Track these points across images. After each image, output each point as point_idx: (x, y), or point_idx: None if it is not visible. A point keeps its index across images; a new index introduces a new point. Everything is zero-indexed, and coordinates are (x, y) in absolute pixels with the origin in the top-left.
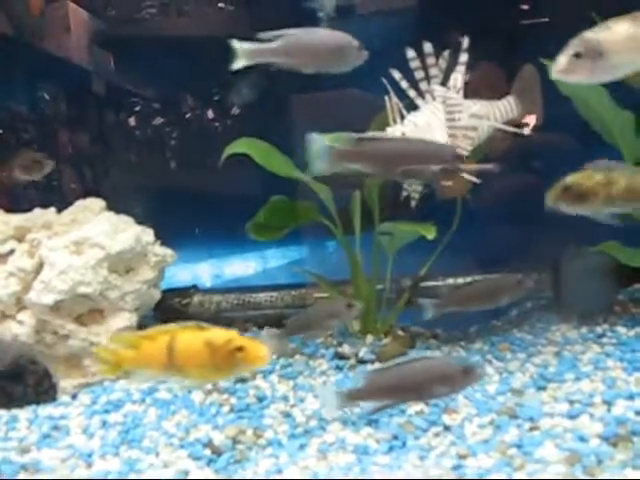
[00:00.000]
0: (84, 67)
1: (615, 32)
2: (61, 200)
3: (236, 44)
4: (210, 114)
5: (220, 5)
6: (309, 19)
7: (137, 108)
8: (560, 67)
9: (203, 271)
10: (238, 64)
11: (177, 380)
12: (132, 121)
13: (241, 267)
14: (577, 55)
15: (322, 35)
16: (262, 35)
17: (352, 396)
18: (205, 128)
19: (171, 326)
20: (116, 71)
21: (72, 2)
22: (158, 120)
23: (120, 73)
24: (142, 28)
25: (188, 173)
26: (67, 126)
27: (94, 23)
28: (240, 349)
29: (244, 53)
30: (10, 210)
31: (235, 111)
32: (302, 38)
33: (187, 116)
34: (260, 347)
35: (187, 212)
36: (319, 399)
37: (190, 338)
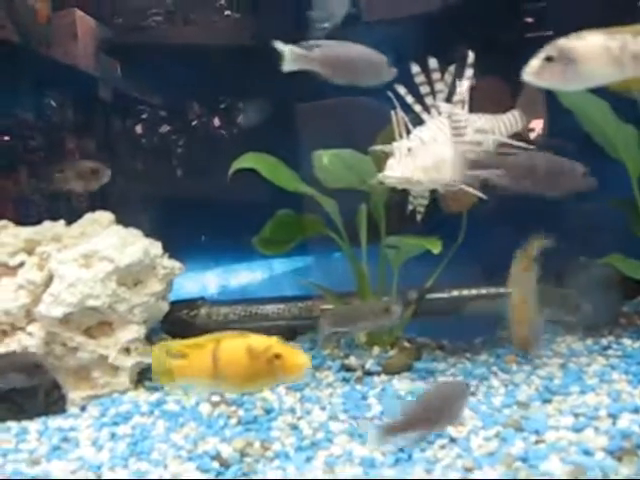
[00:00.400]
0: (91, 74)
1: (588, 42)
2: (67, 206)
3: (285, 48)
4: (216, 122)
5: (226, 13)
6: (314, 27)
7: (144, 116)
8: (532, 69)
9: (208, 280)
10: (287, 67)
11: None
12: (138, 129)
13: (247, 276)
14: (549, 59)
15: (358, 50)
16: (301, 43)
17: (390, 429)
18: (211, 136)
19: (215, 334)
20: (123, 79)
21: (79, 10)
22: (164, 128)
23: (127, 81)
24: (148, 36)
25: (193, 181)
26: (73, 133)
27: (101, 31)
28: (278, 356)
29: (293, 56)
30: (17, 216)
31: (241, 119)
32: (340, 50)
33: (193, 124)
34: (299, 355)
35: (191, 220)
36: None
37: (233, 345)
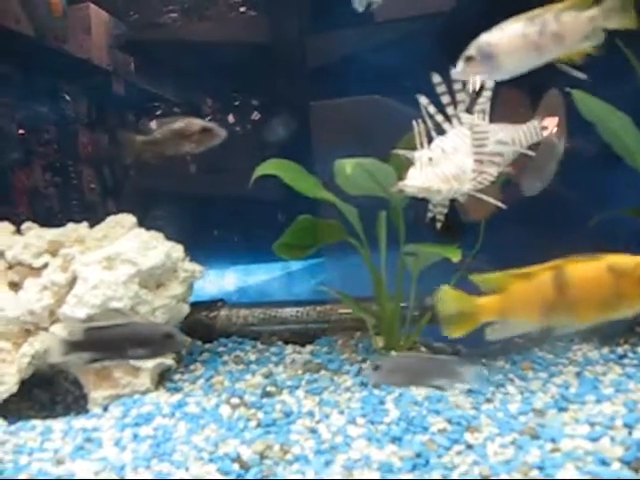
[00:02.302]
0: (104, 68)
1: (505, 34)
2: (80, 200)
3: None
4: (230, 119)
5: (241, 10)
6: (331, 22)
7: (157, 112)
8: (457, 70)
9: (225, 277)
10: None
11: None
12: (152, 124)
13: (263, 275)
14: (469, 58)
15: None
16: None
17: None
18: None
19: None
20: (136, 74)
21: (93, 4)
22: None
23: (140, 76)
24: (163, 32)
25: (206, 177)
26: (87, 127)
27: (115, 25)
28: None
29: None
30: (30, 209)
31: (256, 116)
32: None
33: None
34: None
35: (203, 214)
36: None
37: (587, 268)
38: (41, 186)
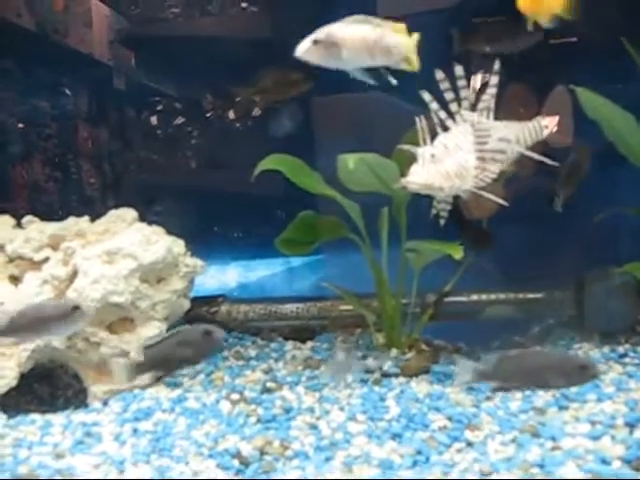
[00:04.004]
0: (105, 63)
1: (351, 30)
2: (80, 195)
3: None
4: (231, 114)
5: (243, 5)
6: (332, 19)
7: (158, 107)
8: (301, 49)
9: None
10: None
11: None
12: (153, 120)
13: (264, 270)
14: (315, 42)
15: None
16: None
17: (483, 375)
18: (226, 128)
19: None
20: (137, 69)
21: None
22: (179, 119)
23: (141, 71)
24: (164, 27)
25: (208, 173)
26: (88, 121)
27: (116, 20)
28: None
29: None
30: (30, 203)
31: (257, 112)
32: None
33: (208, 116)
34: None
35: (203, 209)
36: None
37: None
38: (41, 180)
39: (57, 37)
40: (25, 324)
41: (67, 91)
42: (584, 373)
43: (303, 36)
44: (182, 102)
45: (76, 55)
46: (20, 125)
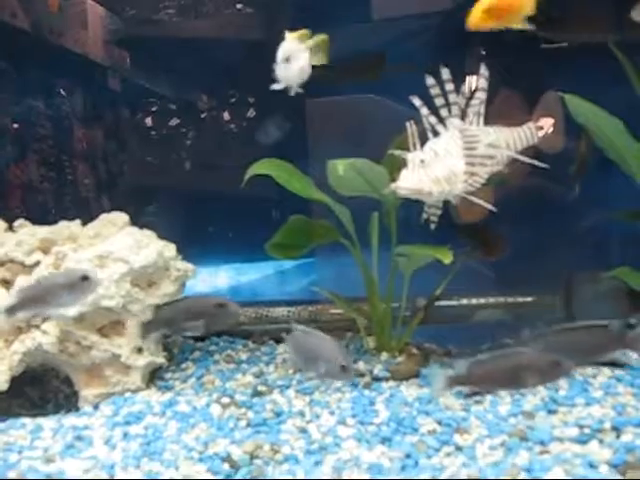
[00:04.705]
0: (100, 64)
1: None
2: (74, 195)
3: None
4: (226, 116)
5: (238, 7)
6: (327, 20)
7: (153, 108)
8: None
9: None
10: None
11: None
12: (148, 121)
13: (255, 273)
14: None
15: None
16: None
17: (456, 381)
18: (220, 129)
19: None
20: (132, 69)
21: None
22: (174, 121)
23: (136, 72)
24: (159, 28)
25: (202, 174)
26: (82, 122)
27: (112, 20)
28: None
29: None
30: (22, 201)
31: (251, 113)
32: None
33: (202, 117)
34: None
35: (196, 211)
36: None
37: None
38: (35, 181)
39: (52, 37)
40: (35, 296)
41: (62, 91)
42: (557, 370)
43: None
44: (177, 103)
45: (71, 55)
46: (14, 125)
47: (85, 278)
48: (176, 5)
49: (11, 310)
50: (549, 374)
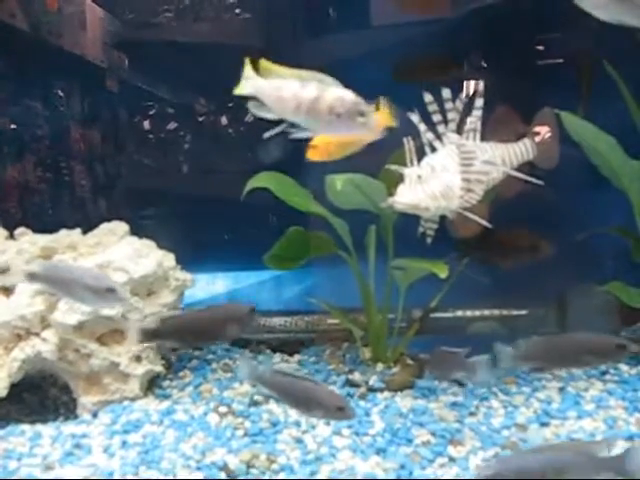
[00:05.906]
0: (99, 65)
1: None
2: (71, 196)
3: None
4: (224, 120)
5: (236, 12)
6: (324, 25)
7: (150, 111)
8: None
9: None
10: None
11: None
12: (145, 124)
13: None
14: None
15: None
16: None
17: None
18: (218, 133)
19: None
20: (130, 71)
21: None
22: (171, 124)
23: (134, 74)
24: (158, 32)
25: (199, 178)
26: (80, 123)
27: (110, 22)
28: None
29: None
30: (19, 203)
31: (249, 118)
32: None
33: (200, 121)
34: None
35: (193, 215)
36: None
37: None
38: (32, 182)
39: (51, 38)
40: (59, 279)
41: (60, 92)
42: (620, 352)
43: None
44: (175, 106)
45: (70, 56)
46: (12, 126)
47: (111, 290)
48: (175, 9)
49: (31, 277)
50: (610, 355)
